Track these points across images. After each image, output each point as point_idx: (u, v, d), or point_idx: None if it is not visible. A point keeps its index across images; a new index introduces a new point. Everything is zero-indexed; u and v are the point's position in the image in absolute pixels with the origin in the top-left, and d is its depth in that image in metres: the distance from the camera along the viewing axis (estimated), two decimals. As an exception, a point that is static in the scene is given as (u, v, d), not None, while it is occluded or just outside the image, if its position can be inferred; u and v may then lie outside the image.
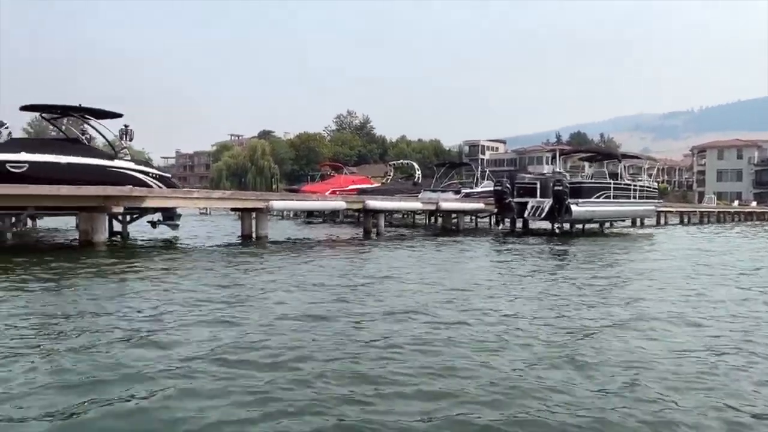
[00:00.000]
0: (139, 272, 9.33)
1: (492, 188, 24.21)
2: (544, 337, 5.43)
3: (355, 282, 8.69)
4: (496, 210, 22.88)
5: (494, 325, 5.91)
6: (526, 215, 21.72)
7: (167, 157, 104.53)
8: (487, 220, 27.16)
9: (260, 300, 7.10)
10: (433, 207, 22.65)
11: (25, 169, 13.50)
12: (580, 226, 22.82)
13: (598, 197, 22.07)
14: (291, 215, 35.41)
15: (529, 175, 27.13)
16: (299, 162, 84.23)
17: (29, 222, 19.58)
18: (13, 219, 14.91)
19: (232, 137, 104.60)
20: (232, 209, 18.78)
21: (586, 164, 26.96)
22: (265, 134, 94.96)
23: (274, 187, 71.72)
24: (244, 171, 78.46)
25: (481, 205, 23.96)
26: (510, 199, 21.74)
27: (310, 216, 32.91)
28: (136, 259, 11.57)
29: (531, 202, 21.46)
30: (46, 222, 21.45)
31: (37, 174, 13.36)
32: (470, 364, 4.54)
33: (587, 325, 5.95)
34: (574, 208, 20.61)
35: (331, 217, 31.87)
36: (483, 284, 8.73)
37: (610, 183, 22.93)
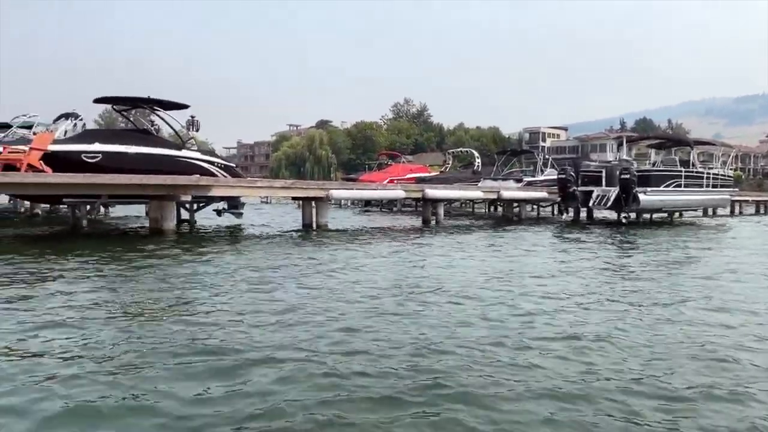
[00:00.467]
0: (209, 257, 9.56)
1: (555, 176, 23.55)
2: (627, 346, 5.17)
3: (419, 271, 8.59)
4: (559, 199, 22.27)
5: (578, 326, 5.69)
6: (590, 204, 21.02)
7: (229, 147, 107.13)
8: (549, 209, 26.48)
9: (327, 285, 7.12)
10: (494, 196, 22.25)
11: (98, 159, 14.07)
12: (647, 215, 21.91)
13: (667, 186, 21.10)
14: (349, 204, 35.62)
15: (593, 163, 26.25)
16: (356, 151, 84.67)
17: (102, 210, 20.50)
18: (88, 207, 15.62)
19: (291, 127, 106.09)
20: (293, 198, 19.01)
21: (653, 151, 25.82)
22: (322, 124, 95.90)
23: (331, 176, 72.47)
24: (302, 160, 79.60)
25: (544, 194, 23.37)
26: (574, 187, 21.09)
27: (368, 205, 33.00)
28: (206, 245, 11.87)
29: (596, 191, 20.74)
30: (117, 210, 22.40)
31: (109, 164, 13.91)
32: (544, 361, 4.37)
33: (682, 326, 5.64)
34: (642, 197, 19.79)
35: (388, 206, 31.86)
36: (555, 276, 8.46)
37: (680, 171, 21.88)
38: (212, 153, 18.61)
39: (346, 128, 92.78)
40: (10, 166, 12.41)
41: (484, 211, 30.25)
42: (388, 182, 29.17)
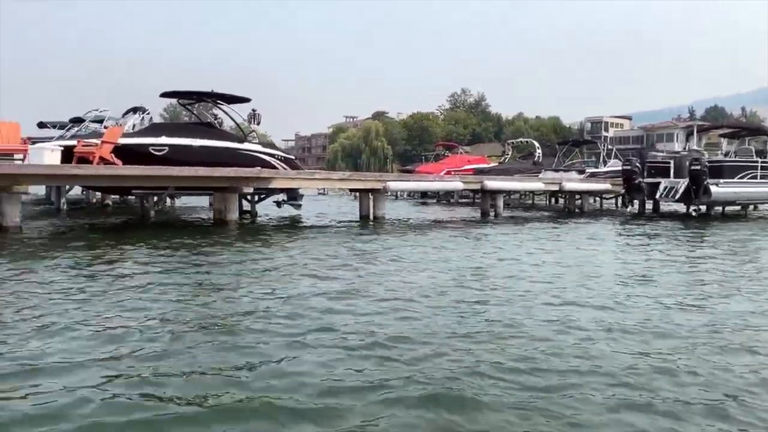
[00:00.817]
0: (272, 247, 9.71)
1: (619, 168, 22.71)
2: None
3: (478, 263, 8.44)
4: (624, 191, 21.47)
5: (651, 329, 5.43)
6: (657, 196, 20.17)
7: (287, 140, 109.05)
8: (612, 201, 25.58)
9: (384, 276, 7.08)
10: (555, 187, 21.67)
11: (165, 151, 14.53)
12: (719, 208, 20.82)
13: (741, 177, 19.98)
14: (405, 196, 35.56)
15: (661, 154, 25.14)
16: (412, 142, 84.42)
17: (168, 201, 21.22)
18: (156, 198, 16.19)
19: (347, 119, 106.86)
20: (351, 190, 19.11)
21: (725, 141, 24.46)
22: (378, 115, 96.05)
23: (387, 167, 72.58)
24: (358, 152, 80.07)
25: (607, 186, 22.59)
26: (640, 179, 20.26)
27: (425, 196, 32.83)
28: (268, 236, 12.10)
29: (664, 183, 19.87)
30: (182, 201, 23.14)
31: (175, 156, 14.34)
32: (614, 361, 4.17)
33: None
34: (713, 189, 18.81)
35: (445, 197, 31.59)
36: (625, 271, 8.14)
37: (757, 161, 20.65)
38: (273, 145, 18.90)
39: (402, 119, 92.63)
40: (84, 159, 12.96)
41: (544, 202, 29.55)
42: (445, 173, 28.89)
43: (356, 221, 16.48)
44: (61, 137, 17.24)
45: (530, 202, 30.15)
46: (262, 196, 17.11)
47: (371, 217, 16.81)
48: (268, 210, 18.28)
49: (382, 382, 3.69)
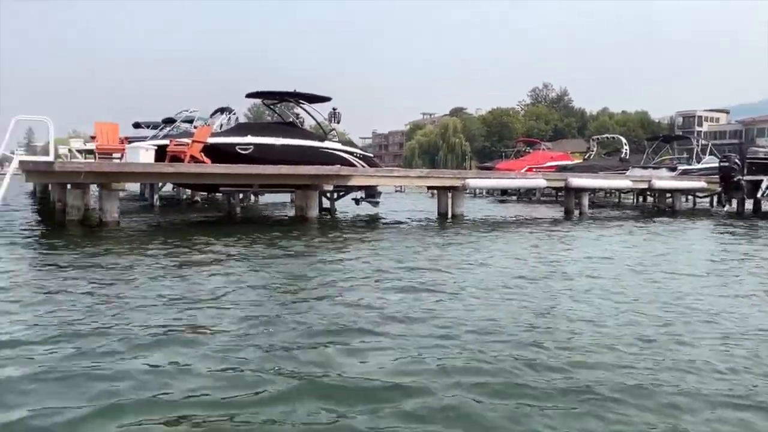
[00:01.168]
0: (353, 243, 9.80)
1: (715, 165, 21.28)
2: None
3: (564, 267, 8.11)
4: (720, 189, 20.10)
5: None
6: (759, 195, 18.75)
7: (364, 137, 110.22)
8: (707, 200, 24.04)
9: (464, 274, 6.94)
10: (644, 185, 20.63)
11: (250, 150, 15.00)
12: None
13: None
14: (483, 193, 35.02)
15: (763, 149, 23.33)
16: (491, 138, 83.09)
17: (252, 198, 21.96)
18: (241, 195, 16.78)
19: (424, 116, 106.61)
20: (428, 187, 19.01)
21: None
22: (456, 111, 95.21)
23: (465, 164, 71.80)
24: (435, 149, 79.71)
25: (702, 184, 21.22)
26: (739, 177, 18.89)
27: (504, 194, 32.21)
28: (348, 232, 12.24)
29: (766, 181, 18.44)
30: (264, 198, 23.88)
31: (260, 155, 14.78)
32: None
33: None
34: (825, 187, 17.27)
35: (526, 195, 30.89)
36: (731, 279, 7.58)
37: None
38: (352, 143, 19.16)
39: (480, 115, 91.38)
40: (176, 158, 13.61)
41: (632, 201, 28.22)
42: (526, 170, 28.16)
43: (434, 219, 16.37)
44: (154, 137, 18.21)
45: (616, 200, 28.87)
46: (341, 194, 17.34)
47: (450, 214, 16.64)
48: (346, 207, 18.52)
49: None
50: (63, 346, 4.12)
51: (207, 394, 3.39)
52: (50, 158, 12.14)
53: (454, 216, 16.42)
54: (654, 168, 25.95)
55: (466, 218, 16.40)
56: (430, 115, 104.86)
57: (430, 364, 3.96)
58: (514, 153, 41.39)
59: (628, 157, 31.34)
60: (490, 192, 33.50)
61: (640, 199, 27.52)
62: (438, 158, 76.81)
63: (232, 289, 6.11)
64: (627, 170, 26.91)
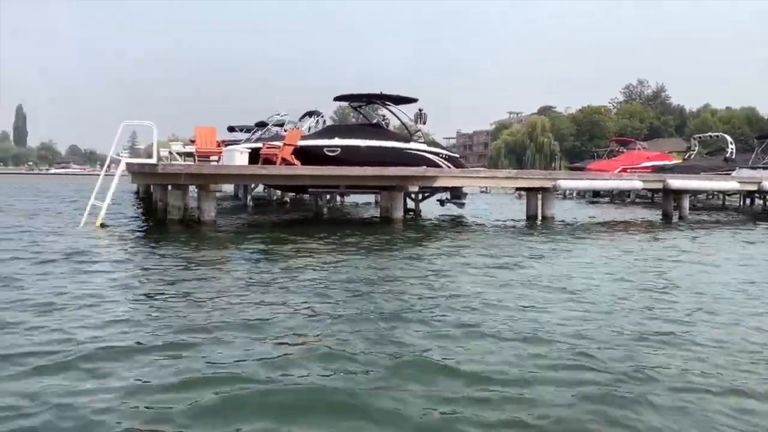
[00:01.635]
0: (437, 245, 9.71)
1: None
2: None
3: (670, 276, 7.62)
4: None
5: None
6: None
7: (448, 137, 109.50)
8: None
9: (563, 280, 6.67)
10: (753, 187, 19.07)
11: (337, 152, 15.27)
12: None
13: None
14: (574, 195, 33.81)
15: None
16: (581, 137, 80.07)
17: (338, 198, 22.37)
18: (328, 196, 17.11)
19: (511, 115, 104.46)
20: (516, 188, 18.57)
21: None
22: (545, 110, 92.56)
23: (553, 164, 69.66)
24: (522, 149, 77.85)
25: (822, 186, 19.35)
26: None
27: (596, 195, 30.92)
28: (434, 233, 12.16)
29: None
30: (350, 199, 24.25)
31: (346, 156, 15.01)
32: None
33: None
34: None
35: (619, 197, 29.50)
36: None
37: None
38: (438, 144, 19.00)
39: (570, 113, 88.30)
40: (268, 160, 14.08)
41: (738, 204, 26.23)
42: (620, 171, 26.87)
43: (523, 221, 15.95)
44: (247, 140, 18.94)
45: (720, 203, 26.96)
46: (427, 195, 17.28)
47: (539, 217, 16.16)
48: (431, 208, 18.43)
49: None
50: (168, 328, 4.61)
51: (305, 376, 3.59)
52: (154, 161, 12.93)
53: (544, 218, 15.93)
54: (764, 168, 23.97)
55: (557, 220, 15.87)
56: (517, 114, 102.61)
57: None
58: (607, 153, 39.59)
59: (734, 156, 29.15)
60: (581, 193, 32.31)
61: (748, 201, 25.52)
62: (525, 158, 74.98)
63: (324, 284, 6.28)
64: (733, 171, 25.03)
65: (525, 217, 16.65)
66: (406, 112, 17.12)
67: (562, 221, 16.08)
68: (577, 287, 6.59)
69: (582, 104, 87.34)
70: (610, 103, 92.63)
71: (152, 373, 3.62)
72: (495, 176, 16.38)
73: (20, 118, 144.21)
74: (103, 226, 11.67)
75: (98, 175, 13.48)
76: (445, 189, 16.81)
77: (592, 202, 28.21)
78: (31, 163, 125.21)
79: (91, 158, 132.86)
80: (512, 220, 16.50)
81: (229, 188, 27.38)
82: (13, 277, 6.37)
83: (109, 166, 14.53)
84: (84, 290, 5.85)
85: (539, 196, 16.49)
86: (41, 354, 3.90)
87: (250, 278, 6.71)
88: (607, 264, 8.49)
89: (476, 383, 3.59)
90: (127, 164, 13.15)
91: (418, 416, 3.14)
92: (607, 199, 30.08)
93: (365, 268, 7.66)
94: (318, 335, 4.50)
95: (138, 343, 4.22)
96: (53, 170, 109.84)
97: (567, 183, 16.93)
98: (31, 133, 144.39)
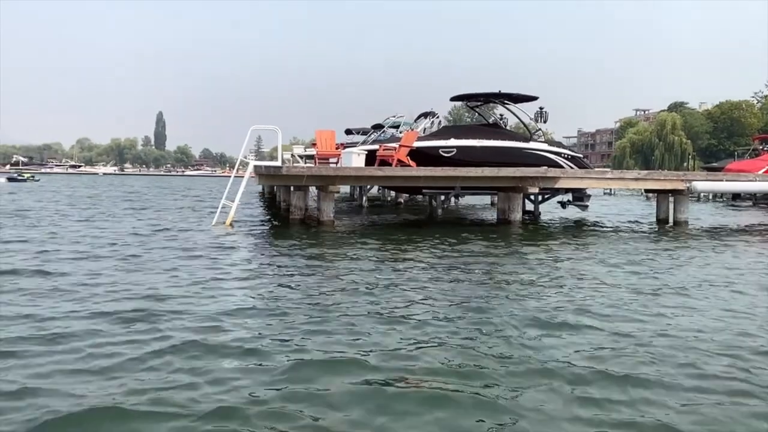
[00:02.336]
0: (562, 248, 9.28)
1: None
2: None
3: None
4: None
5: None
6: None
7: (568, 136, 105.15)
8: None
9: (700, 291, 6.07)
10: None
11: (453, 153, 15.12)
12: None
13: None
14: (709, 197, 31.12)
15: None
16: (717, 135, 73.42)
17: (452, 200, 22.18)
18: (443, 197, 16.99)
19: (638, 112, 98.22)
20: (645, 190, 17.36)
21: None
22: (676, 106, 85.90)
23: (685, 164, 64.64)
24: (650, 148, 72.81)
25: None
26: None
27: (736, 198, 28.22)
28: (557, 236, 11.65)
29: None
30: (464, 200, 23.95)
31: (462, 157, 14.82)
32: None
33: None
34: None
35: (763, 200, 26.68)
36: None
37: None
38: (559, 144, 18.23)
39: (705, 110, 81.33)
40: (384, 162, 14.25)
41: None
42: (765, 172, 24.30)
43: (653, 225, 14.87)
44: (364, 142, 19.33)
45: None
46: (547, 196, 16.63)
47: (671, 221, 15.01)
48: (551, 210, 17.72)
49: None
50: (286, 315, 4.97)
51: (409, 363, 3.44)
52: (279, 163, 13.54)
53: (676, 223, 14.77)
54: None
55: (691, 225, 14.62)
56: (644, 111, 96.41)
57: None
58: (750, 152, 36.02)
59: None
60: (717, 196, 29.67)
61: None
62: (653, 158, 70.13)
63: (441, 286, 6.17)
64: None
65: (655, 221, 15.56)
66: (526, 110, 16.60)
67: (698, 226, 14.77)
68: (724, 297, 5.97)
69: (719, 99, 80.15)
70: (753, 97, 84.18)
71: (270, 356, 3.97)
72: (623, 177, 15.38)
73: (160, 123, 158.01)
74: (232, 225, 12.40)
75: (227, 176, 14.38)
76: (566, 190, 16.09)
77: (733, 206, 25.74)
78: (168, 165, 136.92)
79: (222, 161, 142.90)
80: (640, 223, 15.44)
81: (345, 189, 28.15)
82: (172, 267, 7.36)
83: (238, 169, 15.46)
84: (217, 277, 6.65)
85: (671, 199, 15.33)
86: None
87: (366, 278, 6.77)
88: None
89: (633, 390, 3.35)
90: (255, 167, 13.88)
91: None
92: (749, 203, 27.34)
93: (483, 271, 7.47)
94: (437, 337, 4.43)
95: (259, 333, 4.53)
96: (188, 172, 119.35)
97: (703, 185, 15.54)
98: (169, 138, 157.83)
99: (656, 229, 14.10)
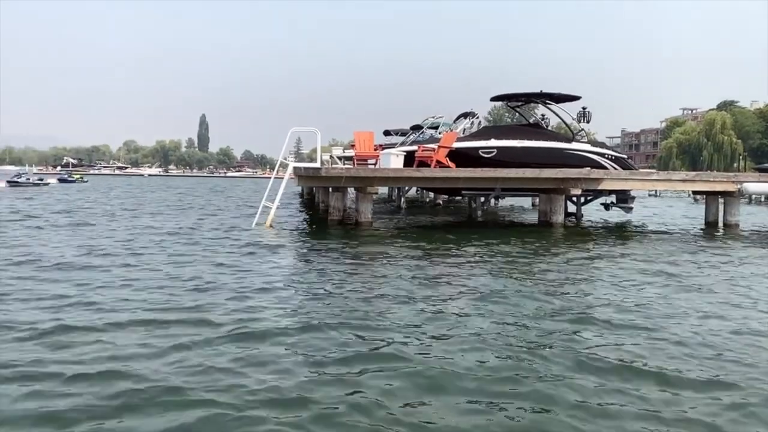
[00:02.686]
0: (608, 252, 9.03)
1: None
2: None
3: None
4: None
5: None
6: None
7: (612, 137, 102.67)
8: None
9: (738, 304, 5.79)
10: None
11: (493, 154, 14.90)
12: None
13: None
14: (762, 200, 29.93)
15: None
16: (771, 135, 70.64)
17: (492, 201, 21.90)
18: (482, 198, 16.78)
19: (685, 111, 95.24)
20: (693, 192, 16.79)
21: None
22: (726, 105, 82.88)
23: (735, 165, 62.36)
24: (697, 148, 70.51)
25: None
26: None
27: (790, 201, 27.05)
28: (602, 239, 11.36)
29: None
30: (504, 201, 23.64)
31: (503, 158, 14.59)
32: None
33: None
34: None
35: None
36: None
37: None
38: (603, 144, 17.77)
39: (757, 108, 78.28)
40: (423, 163, 14.15)
41: None
42: (823, 173, 23.18)
43: (701, 228, 14.36)
44: (403, 143, 19.26)
45: None
46: (589, 198, 16.25)
47: (720, 224, 14.46)
48: (593, 212, 17.31)
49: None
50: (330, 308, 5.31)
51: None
52: (318, 165, 13.61)
53: (726, 225, 14.23)
54: None
55: (743, 229, 14.05)
56: (692, 110, 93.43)
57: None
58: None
59: None
60: (771, 198, 28.48)
61: None
62: (701, 159, 67.89)
63: (480, 288, 6.06)
64: None
65: (703, 224, 15.02)
66: (568, 110, 16.25)
67: (751, 230, 14.19)
68: (779, 308, 5.69)
69: (772, 96, 76.93)
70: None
71: (318, 345, 4.27)
72: (670, 178, 14.88)
73: (203, 126, 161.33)
74: (272, 225, 12.53)
75: (268, 177, 14.53)
76: (610, 192, 15.68)
77: (787, 209, 24.69)
78: (211, 166, 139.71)
79: (263, 162, 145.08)
80: (688, 226, 14.94)
81: (383, 190, 28.13)
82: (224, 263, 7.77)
83: (278, 170, 15.61)
84: (261, 277, 6.78)
85: (720, 201, 14.78)
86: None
87: (404, 281, 6.71)
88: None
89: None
90: (294, 168, 13.99)
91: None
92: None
93: (524, 273, 7.32)
94: (479, 335, 4.38)
95: (307, 323, 4.81)
96: (230, 173, 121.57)
97: (755, 186, 14.91)
98: (211, 140, 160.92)
99: (705, 232, 13.61)
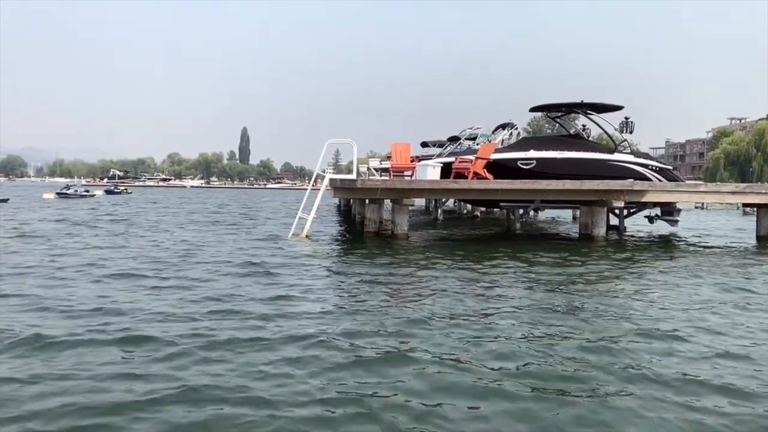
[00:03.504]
0: (652, 267, 8.68)
1: None
2: None
3: None
4: None
5: None
6: None
7: (656, 148, 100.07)
8: None
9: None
10: None
11: (532, 165, 14.62)
12: None
13: None
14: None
15: None
16: (826, 145, 67.57)
17: (531, 213, 21.50)
18: (521, 211, 16.47)
19: (733, 121, 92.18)
20: (744, 205, 16.09)
21: None
22: (776, 114, 79.94)
23: (787, 177, 59.92)
24: (747, 159, 68.03)
25: None
26: None
27: None
28: (646, 254, 10.95)
29: None
30: (543, 213, 23.19)
31: (542, 169, 14.30)
32: None
33: None
34: None
35: None
36: None
37: None
38: (647, 155, 17.23)
39: (811, 117, 75.13)
40: (460, 174, 13.98)
41: None
42: None
43: (752, 243, 13.73)
44: (440, 155, 19.10)
45: None
46: (633, 210, 15.75)
47: (774, 238, 13.80)
48: (637, 225, 16.78)
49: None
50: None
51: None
52: (353, 176, 13.60)
53: (780, 240, 13.56)
54: None
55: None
56: (740, 120, 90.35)
57: None
58: None
59: None
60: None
61: None
62: (750, 170, 65.44)
63: (520, 305, 5.86)
64: None
65: (755, 239, 14.37)
66: (610, 120, 15.83)
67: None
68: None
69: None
70: None
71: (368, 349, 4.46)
72: (719, 190, 14.29)
73: (244, 138, 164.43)
74: (308, 236, 12.54)
75: (306, 189, 14.59)
76: (654, 204, 15.17)
77: None
78: (252, 178, 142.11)
79: (301, 174, 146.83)
80: (738, 241, 14.31)
81: (420, 202, 27.97)
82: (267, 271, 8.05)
83: (314, 182, 15.66)
84: (302, 287, 6.95)
85: (774, 214, 14.12)
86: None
87: (441, 297, 6.56)
88: None
89: None
90: (330, 180, 14.00)
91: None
92: None
93: (565, 290, 7.08)
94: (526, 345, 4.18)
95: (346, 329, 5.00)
96: (270, 185, 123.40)
97: (812, 199, 14.18)
98: (252, 152, 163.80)
99: (757, 247, 13.00)
